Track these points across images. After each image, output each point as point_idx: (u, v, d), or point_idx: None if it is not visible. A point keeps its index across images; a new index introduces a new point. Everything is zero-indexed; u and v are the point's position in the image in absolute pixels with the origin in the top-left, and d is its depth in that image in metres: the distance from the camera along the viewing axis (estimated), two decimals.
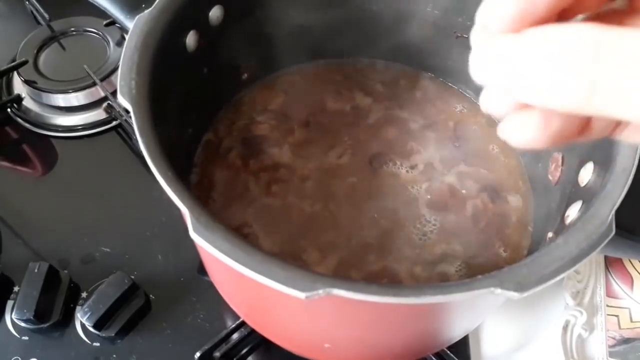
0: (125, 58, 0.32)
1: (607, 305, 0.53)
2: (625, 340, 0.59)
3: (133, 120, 0.30)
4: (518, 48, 0.17)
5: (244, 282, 0.31)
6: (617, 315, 0.56)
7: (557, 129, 0.19)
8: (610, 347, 0.52)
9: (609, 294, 0.55)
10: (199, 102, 0.43)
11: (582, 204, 0.32)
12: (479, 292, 0.25)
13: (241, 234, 0.40)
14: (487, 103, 0.20)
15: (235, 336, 0.46)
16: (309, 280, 0.24)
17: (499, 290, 0.25)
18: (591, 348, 0.50)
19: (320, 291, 0.24)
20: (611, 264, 0.56)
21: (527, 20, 0.18)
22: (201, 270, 0.51)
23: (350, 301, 0.25)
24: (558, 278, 0.26)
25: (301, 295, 0.24)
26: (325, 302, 0.26)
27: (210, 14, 0.40)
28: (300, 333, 0.36)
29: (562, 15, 0.19)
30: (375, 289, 0.24)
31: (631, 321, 0.55)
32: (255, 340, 0.47)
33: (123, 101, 0.30)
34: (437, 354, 0.44)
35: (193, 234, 0.26)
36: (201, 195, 0.42)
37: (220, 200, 0.42)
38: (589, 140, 0.21)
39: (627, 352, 0.54)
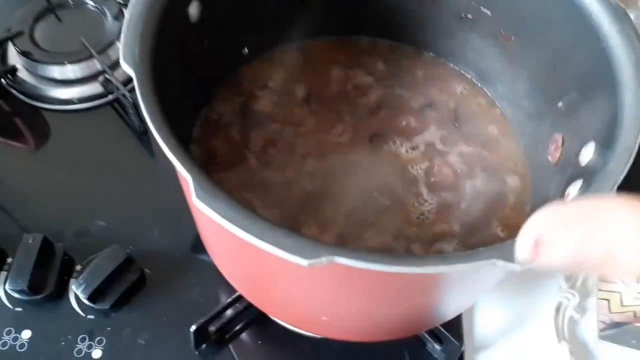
0: (129, 25, 0.32)
1: (599, 289, 0.54)
2: (616, 325, 0.60)
3: (136, 85, 0.29)
4: None
5: (243, 252, 0.31)
6: (608, 299, 0.57)
7: None
8: (601, 330, 0.53)
9: (601, 277, 0.56)
10: (199, 74, 0.42)
11: (583, 182, 0.32)
12: (482, 264, 0.25)
13: None
14: None
15: (230, 311, 0.46)
16: (313, 248, 0.24)
17: (501, 262, 0.25)
18: (582, 330, 0.50)
19: (324, 259, 0.24)
20: None
21: None
22: (195, 248, 0.51)
23: (352, 271, 0.25)
24: None
25: (304, 262, 0.24)
26: (326, 272, 0.26)
27: None
28: (298, 305, 0.36)
29: None
30: (378, 257, 0.24)
31: (622, 305, 0.56)
32: (251, 316, 0.47)
33: (126, 67, 0.30)
34: (430, 332, 0.45)
35: (196, 200, 0.26)
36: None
37: (218, 175, 0.42)
38: None
39: (617, 335, 0.55)
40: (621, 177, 0.28)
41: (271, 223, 0.25)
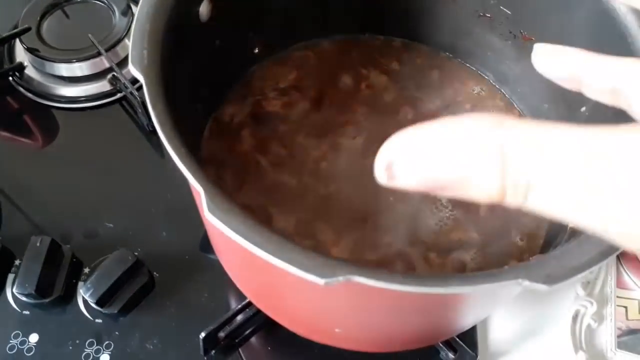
0: (137, 26, 0.30)
1: (617, 296, 0.53)
2: (632, 331, 0.59)
3: (145, 91, 0.28)
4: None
5: (256, 265, 0.30)
6: (625, 306, 0.56)
7: None
8: (617, 337, 0.52)
9: (619, 284, 0.55)
10: (209, 76, 0.41)
11: None
12: (506, 284, 0.24)
13: (254, 214, 0.39)
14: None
15: (240, 317, 0.45)
16: (329, 266, 0.23)
17: (526, 282, 0.24)
18: (600, 339, 0.49)
19: (341, 278, 0.23)
20: (623, 254, 0.55)
21: None
22: (204, 247, 0.50)
23: (369, 288, 0.24)
24: (588, 271, 0.25)
25: (320, 281, 0.23)
26: (342, 288, 0.24)
27: None
28: (312, 317, 0.35)
29: None
30: (399, 278, 0.23)
31: None
32: (260, 321, 0.46)
33: (134, 71, 0.29)
34: (446, 342, 0.44)
35: (208, 214, 0.24)
36: (211, 174, 0.40)
37: (230, 179, 0.41)
38: None
39: (635, 343, 0.54)
40: None
41: (286, 240, 0.24)
